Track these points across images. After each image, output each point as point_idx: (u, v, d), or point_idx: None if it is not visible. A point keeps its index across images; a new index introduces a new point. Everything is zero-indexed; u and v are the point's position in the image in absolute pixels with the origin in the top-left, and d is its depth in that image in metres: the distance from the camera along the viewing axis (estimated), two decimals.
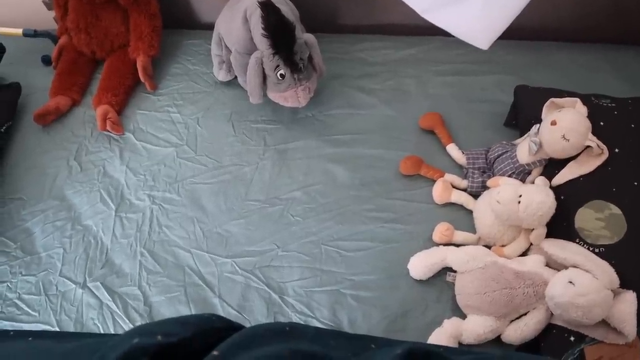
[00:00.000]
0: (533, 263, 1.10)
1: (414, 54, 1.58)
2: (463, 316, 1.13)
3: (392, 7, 1.58)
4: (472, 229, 1.24)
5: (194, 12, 1.73)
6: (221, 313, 1.18)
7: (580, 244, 1.09)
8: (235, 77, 1.53)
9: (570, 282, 0.98)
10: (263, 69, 1.31)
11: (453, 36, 1.60)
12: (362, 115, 1.46)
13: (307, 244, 1.26)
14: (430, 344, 0.65)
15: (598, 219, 1.10)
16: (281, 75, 1.30)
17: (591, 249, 1.07)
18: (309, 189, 1.34)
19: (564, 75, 1.48)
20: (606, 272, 1.00)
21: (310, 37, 1.33)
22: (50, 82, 1.59)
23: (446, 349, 0.76)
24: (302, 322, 1.15)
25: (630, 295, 0.98)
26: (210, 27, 1.58)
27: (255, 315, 1.19)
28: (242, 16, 1.33)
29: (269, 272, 1.24)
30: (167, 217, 1.34)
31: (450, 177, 1.29)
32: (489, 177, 1.25)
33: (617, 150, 1.16)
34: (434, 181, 1.30)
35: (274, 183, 1.36)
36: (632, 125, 1.21)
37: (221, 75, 1.54)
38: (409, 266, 1.17)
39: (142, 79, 1.55)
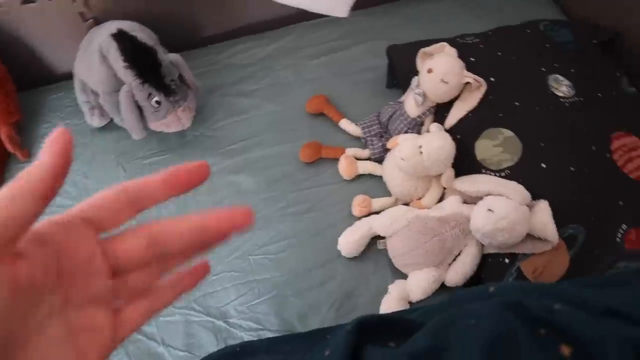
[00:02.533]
0: (451, 205, 1.13)
1: (282, 45, 1.58)
2: (405, 276, 1.14)
3: (246, 7, 1.58)
4: (387, 192, 1.25)
5: (47, 66, 1.63)
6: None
7: (487, 174, 1.13)
8: (111, 119, 1.45)
9: (489, 209, 1.01)
10: (136, 101, 1.25)
11: (314, 19, 1.62)
12: (249, 118, 1.43)
13: (234, 261, 1.22)
14: (380, 314, 0.64)
15: (495, 145, 1.14)
16: (157, 102, 1.25)
17: (497, 174, 1.12)
18: (218, 206, 1.29)
19: (428, 27, 1.54)
20: (517, 191, 1.04)
21: (175, 57, 1.29)
22: None
23: (396, 312, 0.76)
24: (253, 339, 1.12)
25: (543, 204, 1.03)
26: (69, 76, 1.49)
27: (205, 349, 1.13)
28: (98, 55, 1.26)
29: (205, 302, 1.18)
30: None
31: (351, 151, 1.30)
32: (387, 139, 1.27)
33: (492, 79, 1.21)
34: (337, 160, 1.30)
35: (182, 212, 1.28)
36: (499, 53, 1.28)
37: (95, 122, 1.46)
38: (339, 247, 1.17)
39: (10, 150, 1.43)
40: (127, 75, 1.22)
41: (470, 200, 1.12)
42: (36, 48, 1.54)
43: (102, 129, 1.49)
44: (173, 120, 1.30)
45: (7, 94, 1.44)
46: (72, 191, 1.38)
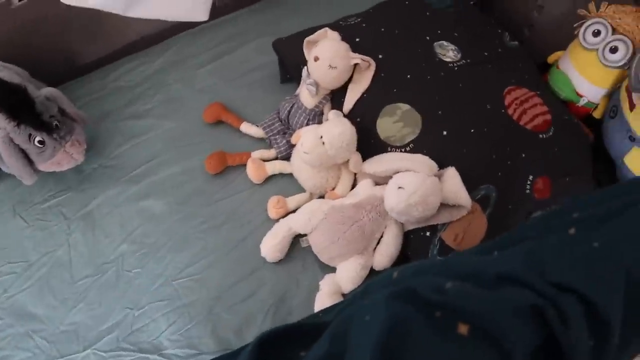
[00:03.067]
0: (364, 189, 1.13)
1: (166, 59, 1.52)
2: (334, 270, 1.12)
3: (121, 27, 1.50)
4: (301, 189, 1.23)
5: None
6: None
7: (393, 151, 1.14)
8: None
9: (400, 187, 1.01)
10: (17, 145, 1.16)
11: (194, 27, 1.58)
12: (147, 140, 1.37)
13: (158, 290, 1.16)
14: (287, 324, 0.61)
15: (395, 121, 1.15)
16: (40, 142, 1.16)
17: (403, 150, 1.13)
18: (132, 236, 1.23)
19: (309, 15, 1.51)
20: (423, 163, 1.05)
21: (50, 91, 1.20)
22: None
23: (311, 316, 0.74)
24: None
25: (451, 171, 1.04)
26: None
27: None
28: None
29: (135, 338, 1.12)
30: None
31: (257, 154, 1.27)
32: (291, 135, 1.25)
33: (380, 56, 1.21)
34: (245, 165, 1.26)
35: (94, 250, 1.23)
36: (382, 29, 1.28)
37: None
38: (263, 254, 1.14)
39: None
40: None
41: (382, 180, 1.11)
42: None
43: None
44: (63, 158, 1.21)
45: None
46: None
